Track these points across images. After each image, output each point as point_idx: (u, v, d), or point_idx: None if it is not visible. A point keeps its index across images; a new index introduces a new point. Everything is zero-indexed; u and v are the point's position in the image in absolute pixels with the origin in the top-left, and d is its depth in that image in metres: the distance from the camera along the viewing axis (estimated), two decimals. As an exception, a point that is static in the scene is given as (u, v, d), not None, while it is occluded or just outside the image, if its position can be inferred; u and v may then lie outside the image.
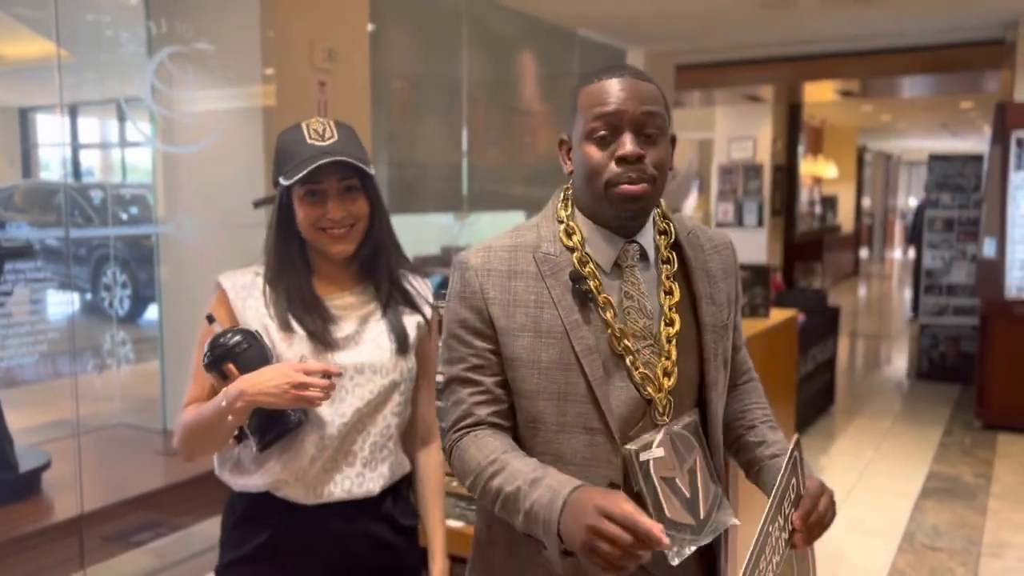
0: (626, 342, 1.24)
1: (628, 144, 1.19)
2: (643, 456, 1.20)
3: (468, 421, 1.28)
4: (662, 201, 1.33)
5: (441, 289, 4.18)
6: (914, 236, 9.70)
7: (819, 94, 9.95)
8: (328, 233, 1.49)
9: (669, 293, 1.28)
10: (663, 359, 1.26)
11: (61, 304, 3.28)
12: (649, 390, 1.25)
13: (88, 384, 3.29)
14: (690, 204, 13.11)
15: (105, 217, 4.68)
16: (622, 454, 1.22)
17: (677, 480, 1.22)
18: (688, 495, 1.23)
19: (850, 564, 3.64)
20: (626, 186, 1.20)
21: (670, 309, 1.28)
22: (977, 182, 6.81)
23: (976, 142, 15.37)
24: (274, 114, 3.31)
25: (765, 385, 1.54)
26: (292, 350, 1.48)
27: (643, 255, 1.28)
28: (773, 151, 9.95)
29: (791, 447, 1.21)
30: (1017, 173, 5.52)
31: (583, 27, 6.08)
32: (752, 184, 9.94)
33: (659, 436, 1.21)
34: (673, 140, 1.28)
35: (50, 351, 3.05)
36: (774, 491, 1.17)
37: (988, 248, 5.68)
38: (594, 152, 1.21)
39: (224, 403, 1.40)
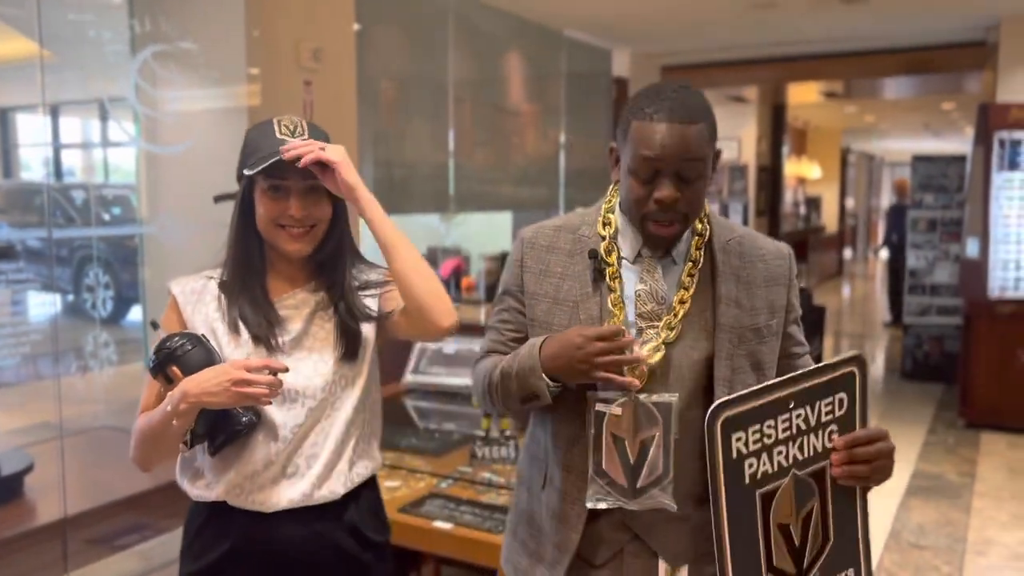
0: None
1: (665, 190, 1.33)
2: (599, 407, 1.35)
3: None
4: (707, 205, 1.46)
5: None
6: (888, 239, 9.72)
7: (803, 95, 10.01)
8: (286, 231, 1.48)
9: (685, 288, 1.42)
10: (656, 341, 1.40)
11: (43, 305, 3.25)
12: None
13: (71, 386, 3.25)
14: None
15: (87, 218, 4.63)
16: (586, 397, 1.37)
17: (627, 443, 1.35)
18: (632, 462, 1.35)
19: (836, 563, 3.66)
20: (657, 227, 1.37)
21: (680, 302, 1.41)
22: (960, 183, 6.87)
23: (958, 143, 15.50)
24: (259, 114, 3.28)
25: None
26: (238, 352, 1.47)
27: (668, 251, 1.43)
28: (758, 152, 10.00)
29: (850, 355, 1.30)
30: (999, 174, 5.56)
31: (570, 27, 6.08)
32: (737, 184, 9.97)
33: (623, 398, 1.34)
34: (718, 154, 1.41)
35: (32, 353, 3.02)
36: (806, 370, 1.29)
37: (971, 248, 5.72)
38: (636, 187, 1.36)
39: (169, 407, 1.38)
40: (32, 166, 4.89)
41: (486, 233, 5.80)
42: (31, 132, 4.58)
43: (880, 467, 1.30)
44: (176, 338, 1.43)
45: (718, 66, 7.80)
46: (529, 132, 5.81)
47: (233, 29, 3.32)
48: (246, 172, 1.47)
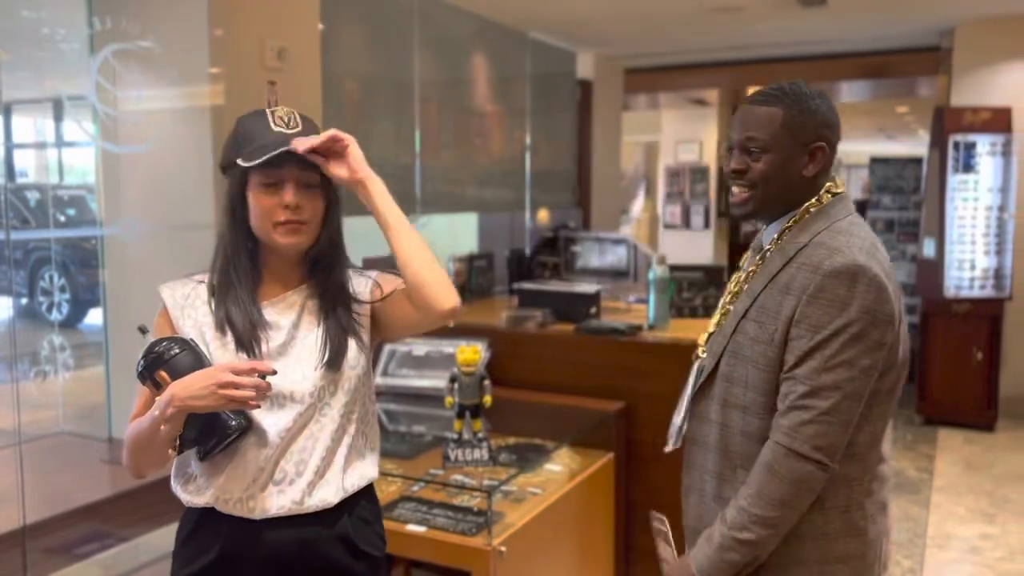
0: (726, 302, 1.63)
1: (734, 161, 1.53)
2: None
3: None
4: (814, 208, 1.54)
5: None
6: None
7: (762, 98, 10.12)
8: (283, 226, 1.46)
9: (747, 275, 1.60)
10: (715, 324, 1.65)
11: (-2, 309, 3.17)
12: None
13: (26, 392, 3.18)
14: (637, 206, 13.23)
15: (42, 219, 4.53)
16: None
17: None
18: None
19: (801, 559, 3.71)
20: (733, 196, 1.56)
21: (734, 287, 1.63)
22: (916, 184, 7.01)
23: (911, 145, 15.82)
24: (223, 114, 3.23)
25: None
26: (225, 357, 1.45)
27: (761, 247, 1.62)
28: (719, 154, 10.10)
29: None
30: (954, 176, 5.68)
31: (535, 29, 6.09)
32: (699, 186, 10.07)
33: None
34: (814, 150, 1.49)
35: (-13, 358, 2.94)
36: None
37: (927, 248, 5.85)
38: (725, 162, 1.59)
39: (157, 412, 1.36)
40: (-17, 167, 4.76)
41: (451, 235, 5.78)
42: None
43: None
44: (164, 342, 1.41)
45: (680, 69, 7.88)
46: (495, 133, 5.80)
47: (196, 28, 3.26)
48: (241, 163, 1.43)
